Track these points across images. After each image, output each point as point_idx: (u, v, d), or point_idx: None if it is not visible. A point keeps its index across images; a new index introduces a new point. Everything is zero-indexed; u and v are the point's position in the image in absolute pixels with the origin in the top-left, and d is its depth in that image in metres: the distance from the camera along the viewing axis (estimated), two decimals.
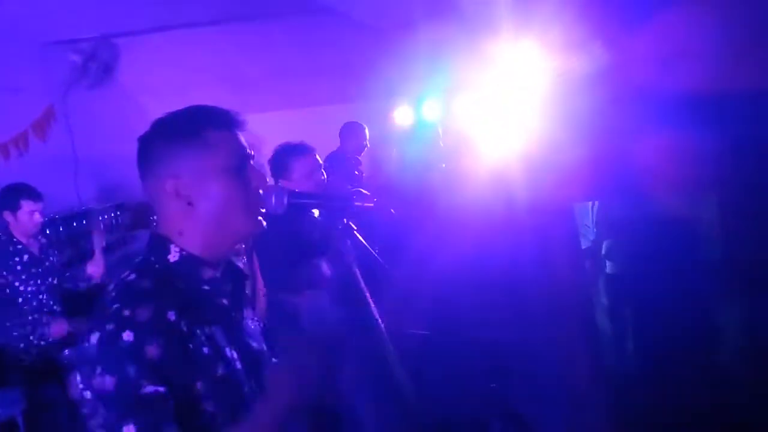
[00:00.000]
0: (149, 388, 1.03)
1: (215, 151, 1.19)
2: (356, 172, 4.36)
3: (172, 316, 1.10)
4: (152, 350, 1.04)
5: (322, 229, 1.42)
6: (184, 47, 4.98)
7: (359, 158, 4.62)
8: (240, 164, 1.22)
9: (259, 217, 1.25)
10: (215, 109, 1.24)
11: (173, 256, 1.19)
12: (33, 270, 3.46)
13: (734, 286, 3.10)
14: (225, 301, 1.23)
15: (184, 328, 1.10)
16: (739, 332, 3.09)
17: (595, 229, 4.74)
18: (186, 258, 1.19)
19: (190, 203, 1.18)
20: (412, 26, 4.12)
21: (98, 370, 1.04)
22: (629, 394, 3.00)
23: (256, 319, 1.34)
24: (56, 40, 4.71)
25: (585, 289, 3.35)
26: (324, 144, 4.90)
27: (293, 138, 3.08)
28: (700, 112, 3.00)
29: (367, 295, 1.27)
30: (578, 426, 2.83)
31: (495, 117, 3.76)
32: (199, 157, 1.18)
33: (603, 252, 3.88)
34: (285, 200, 1.36)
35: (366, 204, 1.52)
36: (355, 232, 1.55)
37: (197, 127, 1.20)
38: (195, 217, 1.19)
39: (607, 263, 3.84)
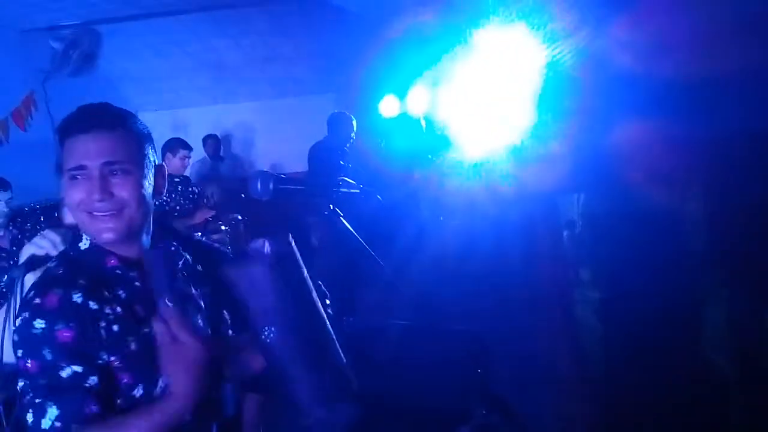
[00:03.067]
0: (67, 370, 1.10)
1: (66, 157, 1.22)
2: (342, 162, 4.34)
3: (78, 298, 1.15)
4: (64, 333, 1.12)
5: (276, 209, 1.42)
6: (167, 35, 4.93)
7: (346, 148, 4.61)
8: (74, 174, 1.22)
9: (108, 225, 1.22)
10: (86, 113, 1.25)
11: (84, 244, 1.26)
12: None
13: (717, 277, 3.13)
14: (138, 283, 1.25)
15: (93, 307, 1.16)
16: (721, 323, 3.12)
17: (580, 221, 4.77)
18: (93, 246, 1.26)
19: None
20: (399, 15, 4.10)
21: (20, 353, 1.12)
22: (612, 381, 3.02)
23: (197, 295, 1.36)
24: (37, 27, 4.63)
25: (567, 279, 3.37)
26: (309, 133, 4.89)
27: (279, 126, 3.06)
28: (684, 104, 3.02)
29: (306, 274, 1.30)
30: (562, 412, 2.85)
31: (481, 107, 3.76)
32: (63, 159, 1.23)
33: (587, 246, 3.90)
34: (270, 186, 1.35)
35: (352, 190, 1.51)
36: (341, 218, 1.54)
37: (62, 132, 1.23)
38: None
39: (591, 255, 3.87)
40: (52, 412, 1.09)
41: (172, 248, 1.37)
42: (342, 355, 1.34)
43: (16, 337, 1.13)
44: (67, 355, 1.11)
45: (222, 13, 4.80)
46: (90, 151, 1.22)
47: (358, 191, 1.55)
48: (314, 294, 1.33)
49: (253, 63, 5.41)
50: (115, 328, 1.17)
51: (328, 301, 1.50)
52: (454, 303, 2.97)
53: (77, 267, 1.22)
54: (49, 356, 1.10)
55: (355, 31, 4.51)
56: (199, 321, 1.36)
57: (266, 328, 1.24)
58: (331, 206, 1.51)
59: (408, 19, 4.10)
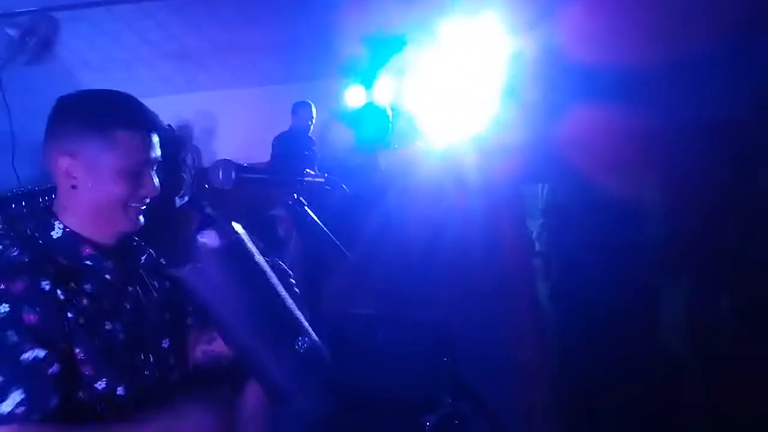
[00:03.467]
0: (30, 354, 1.09)
1: (118, 151, 1.23)
2: (307, 152, 4.32)
3: (46, 285, 1.15)
4: (29, 317, 1.11)
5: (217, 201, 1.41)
6: (127, 22, 4.82)
7: (312, 138, 4.59)
8: (137, 171, 1.27)
9: (139, 217, 1.30)
10: (133, 106, 1.28)
11: (56, 233, 1.25)
12: None
13: (674, 264, 3.21)
14: (108, 276, 1.26)
15: (61, 296, 1.15)
16: (678, 309, 3.20)
17: (544, 211, 4.83)
18: (68, 235, 1.25)
19: (74, 186, 1.24)
20: (365, 5, 4.09)
21: None
22: (573, 367, 3.08)
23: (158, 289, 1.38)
24: None
25: (531, 268, 3.42)
26: (274, 123, 4.85)
27: (242, 117, 3.02)
28: (641, 95, 3.08)
29: (260, 259, 1.30)
30: (527, 400, 2.90)
31: (446, 97, 3.77)
32: (100, 149, 1.23)
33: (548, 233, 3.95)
34: (233, 175, 1.34)
35: (316, 179, 1.51)
36: (306, 208, 1.54)
37: (109, 121, 1.24)
38: (76, 200, 1.25)
39: (554, 244, 3.92)
40: (16, 396, 1.07)
41: (134, 243, 1.38)
42: (313, 333, 1.34)
43: None
44: (31, 338, 1.10)
45: (185, 0, 4.71)
46: (152, 147, 1.27)
47: (322, 180, 1.54)
48: (274, 279, 1.33)
49: (217, 52, 5.33)
50: (81, 320, 1.17)
51: (292, 280, 1.49)
52: (421, 292, 2.99)
53: (45, 256, 1.20)
54: (13, 337, 1.09)
55: (320, 19, 4.48)
56: (166, 315, 1.38)
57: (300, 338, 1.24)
58: (296, 196, 1.51)
59: (374, 8, 4.08)
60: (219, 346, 1.44)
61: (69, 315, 1.15)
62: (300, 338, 1.29)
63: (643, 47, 3.07)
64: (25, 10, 4.55)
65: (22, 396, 1.07)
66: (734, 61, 3.09)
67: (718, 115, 3.10)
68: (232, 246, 1.26)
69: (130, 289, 1.32)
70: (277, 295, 1.31)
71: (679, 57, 3.00)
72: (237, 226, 1.30)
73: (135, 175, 1.26)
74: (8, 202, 4.15)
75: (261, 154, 4.96)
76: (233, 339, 1.27)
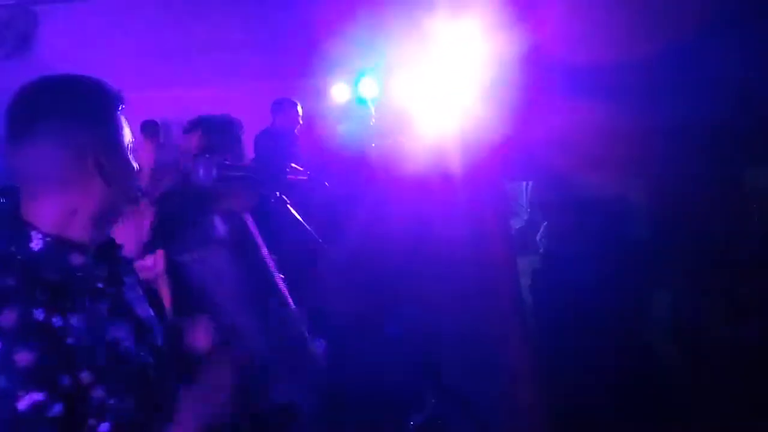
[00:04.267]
0: (26, 400, 0.96)
1: (124, 129, 1.19)
2: (291, 150, 4.30)
3: (40, 315, 1.02)
4: (23, 356, 0.98)
5: (214, 186, 1.40)
6: (108, 16, 4.77)
7: (294, 134, 4.56)
8: (121, 144, 1.20)
9: (138, 193, 1.28)
10: (105, 85, 1.22)
11: (36, 244, 1.09)
12: None
13: (661, 265, 3.22)
14: (100, 285, 1.16)
15: (57, 324, 1.03)
16: (666, 311, 3.21)
17: (528, 209, 4.84)
18: (50, 245, 1.10)
19: (88, 178, 1.13)
20: (350, 2, 4.07)
21: None
22: (558, 368, 3.08)
23: (135, 284, 1.31)
24: None
25: (515, 266, 3.42)
26: (257, 120, 4.81)
27: (223, 113, 2.99)
28: (627, 94, 3.08)
29: (263, 249, 1.29)
30: (512, 400, 2.90)
31: (431, 95, 3.77)
32: (113, 132, 1.18)
33: (538, 234, 3.97)
34: (213, 172, 1.32)
35: (299, 177, 1.49)
36: (288, 205, 1.52)
37: (109, 105, 1.19)
38: (84, 195, 1.14)
39: (540, 242, 3.93)
40: None
41: (109, 239, 1.29)
42: (305, 331, 1.32)
43: None
44: (26, 381, 0.97)
45: None
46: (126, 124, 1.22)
47: (305, 178, 1.52)
48: (276, 273, 1.32)
49: (200, 48, 5.29)
50: (83, 341, 1.05)
51: (282, 276, 1.48)
52: (405, 289, 2.98)
53: (31, 275, 1.06)
54: (4, 383, 0.97)
55: (306, 18, 4.46)
56: (149, 310, 1.30)
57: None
58: (278, 193, 1.49)
59: (359, 6, 4.07)
60: (194, 339, 1.40)
61: (69, 341, 1.03)
62: (300, 335, 1.28)
63: (627, 46, 3.08)
64: (3, 2, 4.49)
65: None
66: (721, 60, 3.11)
67: (704, 114, 3.12)
68: (240, 235, 1.24)
69: (120, 290, 1.23)
70: (283, 294, 1.29)
71: (664, 56, 3.01)
72: (246, 216, 1.28)
73: (122, 152, 1.20)
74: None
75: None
76: (230, 324, 1.24)
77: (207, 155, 1.32)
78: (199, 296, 1.30)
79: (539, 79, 3.22)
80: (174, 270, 1.35)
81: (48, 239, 1.10)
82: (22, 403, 0.96)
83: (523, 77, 3.28)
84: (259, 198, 1.51)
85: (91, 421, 1.05)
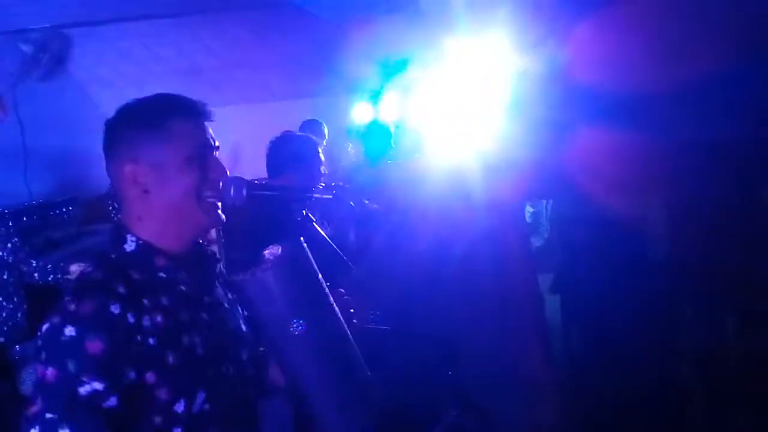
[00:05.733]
0: (87, 387, 1.02)
1: (177, 141, 1.21)
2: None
3: (116, 309, 1.08)
4: (93, 345, 1.04)
5: (280, 218, 1.44)
6: (139, 39, 4.90)
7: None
8: (201, 155, 1.24)
9: (218, 212, 1.27)
10: (182, 98, 1.27)
11: (129, 246, 1.20)
12: None
13: (679, 285, 3.21)
14: (183, 288, 1.22)
15: (131, 320, 1.10)
16: (683, 329, 3.19)
17: (548, 227, 4.85)
18: (141, 247, 1.20)
19: (146, 191, 1.21)
20: (371, 21, 4.14)
21: (42, 359, 1.05)
22: (577, 385, 3.08)
23: (230, 297, 1.35)
24: (5, 30, 4.57)
25: (535, 284, 3.43)
26: None
27: (251, 133, 3.07)
28: (647, 113, 3.10)
29: (321, 278, 1.30)
30: (532, 415, 2.90)
31: (452, 114, 3.81)
32: (160, 145, 1.20)
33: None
34: (244, 192, 1.37)
35: (325, 195, 1.53)
36: (314, 223, 1.56)
37: (161, 115, 1.22)
38: (151, 206, 1.21)
39: (557, 261, 3.93)
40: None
41: (208, 251, 1.35)
42: (364, 365, 1.33)
43: (40, 342, 1.06)
44: (91, 369, 1.03)
45: (194, 18, 4.78)
46: (207, 131, 1.26)
47: (330, 197, 1.57)
48: (331, 299, 1.33)
49: (226, 68, 5.40)
50: (151, 341, 1.11)
51: (352, 310, 1.49)
52: (427, 307, 3.01)
53: (118, 272, 1.15)
54: (72, 368, 1.03)
55: (328, 37, 4.54)
56: (243, 327, 1.34)
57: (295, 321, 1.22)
58: (305, 212, 1.53)
59: (381, 26, 4.14)
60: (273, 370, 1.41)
61: (138, 338, 1.09)
62: (357, 371, 1.27)
63: (647, 67, 3.10)
64: (38, 27, 4.63)
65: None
66: (738, 80, 3.11)
67: (721, 134, 3.12)
68: (297, 260, 1.25)
69: (207, 299, 1.27)
70: (339, 322, 1.29)
71: (683, 76, 3.03)
72: (303, 244, 1.29)
73: (200, 162, 1.23)
74: (20, 215, 4.21)
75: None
76: (283, 361, 1.25)
77: (237, 176, 1.36)
78: (253, 317, 1.32)
79: (561, 98, 3.25)
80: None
81: (140, 242, 1.20)
82: (83, 389, 1.02)
83: (544, 96, 3.32)
84: (286, 216, 1.56)
85: (157, 421, 1.10)
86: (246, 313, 1.37)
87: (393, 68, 4.66)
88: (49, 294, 3.54)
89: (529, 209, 3.94)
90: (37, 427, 1.01)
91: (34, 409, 1.02)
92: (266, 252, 1.22)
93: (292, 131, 2.63)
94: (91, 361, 1.03)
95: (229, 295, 1.35)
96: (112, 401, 1.04)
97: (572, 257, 3.69)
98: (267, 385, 1.41)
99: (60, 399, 1.02)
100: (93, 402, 1.02)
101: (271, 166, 2.70)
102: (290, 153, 2.51)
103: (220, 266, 1.37)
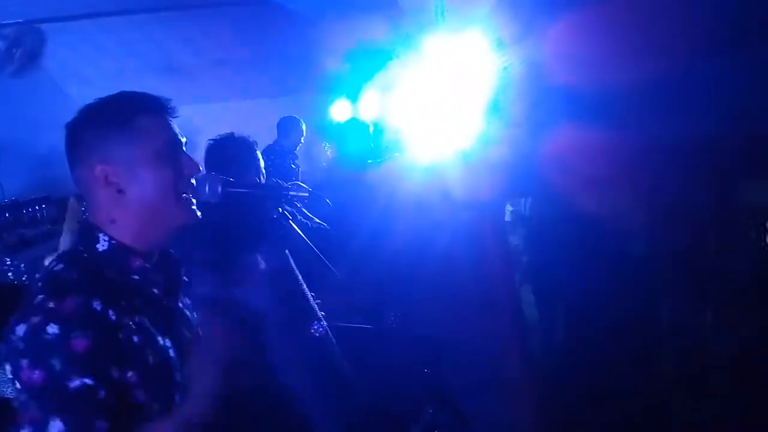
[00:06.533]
0: (76, 382, 1.01)
1: (146, 138, 1.18)
2: (293, 166, 4.35)
3: (98, 306, 1.07)
4: (78, 342, 1.02)
5: (256, 220, 1.43)
6: (115, 34, 4.84)
7: (296, 152, 4.61)
8: (172, 151, 1.21)
9: (193, 207, 1.25)
10: (147, 95, 1.24)
11: (101, 245, 1.18)
12: None
13: (658, 280, 3.24)
14: (156, 290, 1.21)
15: (113, 318, 1.09)
16: (663, 325, 3.23)
17: (528, 226, 4.86)
18: (114, 247, 1.18)
19: (120, 191, 1.18)
20: (351, 19, 4.13)
21: (25, 363, 1.02)
22: (556, 384, 3.10)
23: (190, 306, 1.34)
24: None
25: (514, 283, 3.44)
26: (262, 137, 4.86)
27: (229, 130, 3.03)
28: (625, 110, 3.13)
29: (304, 285, 1.30)
30: (509, 414, 2.91)
31: (431, 113, 3.81)
32: (129, 143, 1.18)
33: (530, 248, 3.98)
34: (219, 189, 1.35)
35: (300, 194, 1.52)
36: (290, 221, 1.55)
37: (128, 113, 1.19)
38: (125, 205, 1.18)
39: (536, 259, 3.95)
40: (55, 426, 0.99)
41: (173, 256, 1.33)
42: (346, 365, 1.33)
43: (21, 345, 1.03)
44: (79, 366, 1.02)
45: (174, 14, 4.74)
46: (177, 130, 1.23)
47: (306, 195, 1.55)
48: (317, 309, 1.33)
49: (205, 65, 5.36)
50: (135, 339, 1.11)
51: (322, 313, 1.49)
52: (406, 306, 3.00)
53: (93, 271, 1.14)
54: (58, 366, 1.01)
55: (308, 35, 4.52)
56: (199, 332, 1.32)
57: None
58: (281, 210, 1.52)
59: (361, 24, 4.13)
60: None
61: (120, 336, 1.08)
62: (338, 363, 1.28)
63: (625, 64, 3.12)
64: (11, 21, 4.55)
65: (64, 427, 0.99)
66: (716, 77, 3.14)
67: (699, 131, 3.15)
68: (281, 272, 1.25)
69: (174, 304, 1.27)
70: (320, 322, 1.30)
71: (661, 74, 3.05)
72: (286, 252, 1.28)
73: (173, 157, 1.21)
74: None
75: None
76: (275, 363, 1.25)
77: (212, 172, 1.35)
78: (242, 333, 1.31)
79: (539, 97, 3.27)
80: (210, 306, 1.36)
81: (113, 242, 1.18)
82: (72, 384, 1.01)
83: (522, 95, 3.33)
84: (262, 214, 1.55)
85: (132, 422, 1.08)
86: (197, 316, 1.35)
87: (372, 66, 4.66)
88: (19, 294, 3.48)
89: (508, 208, 3.95)
90: (28, 429, 1.00)
91: (24, 411, 1.01)
92: (247, 262, 1.21)
93: (232, 133, 2.53)
94: (78, 358, 1.02)
95: (187, 301, 1.34)
96: (102, 394, 1.03)
97: (551, 255, 3.71)
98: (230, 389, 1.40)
99: (49, 395, 1.00)
100: (83, 394, 1.01)
101: (206, 169, 2.60)
102: (226, 156, 2.39)
103: (183, 270, 1.34)
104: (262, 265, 1.25)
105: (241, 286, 1.25)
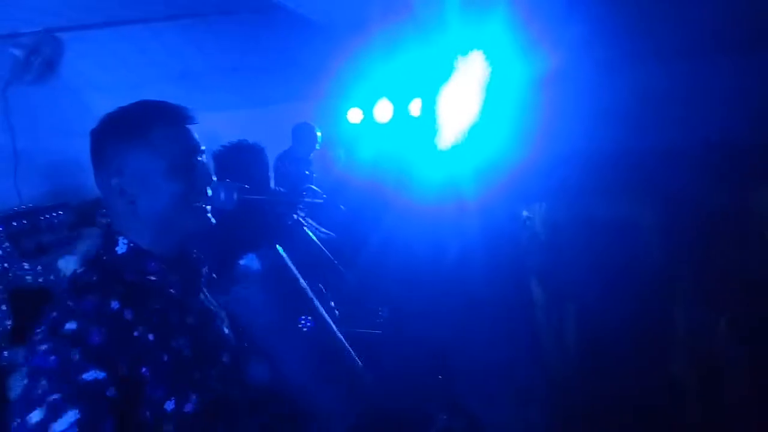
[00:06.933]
0: (90, 374, 1.04)
1: (161, 151, 1.21)
2: (307, 172, 4.36)
3: (115, 305, 1.12)
4: (95, 336, 1.06)
5: (251, 224, 1.43)
6: (132, 43, 4.88)
7: (310, 158, 4.63)
8: (186, 162, 1.24)
9: (208, 215, 1.28)
10: (166, 104, 1.27)
11: (120, 248, 1.22)
12: None
13: (674, 284, 3.21)
14: (173, 291, 1.24)
15: (128, 317, 1.13)
16: (678, 330, 3.20)
17: (542, 232, 4.85)
18: (132, 250, 1.22)
19: (132, 202, 1.22)
20: (365, 25, 4.14)
21: (42, 349, 1.05)
22: (570, 388, 3.08)
23: (215, 302, 1.36)
24: None
25: (528, 289, 3.43)
26: (276, 143, 4.88)
27: (245, 136, 3.04)
28: (641, 116, 3.11)
29: (301, 281, 1.31)
30: (522, 419, 2.90)
31: (447, 118, 3.81)
32: (144, 156, 1.21)
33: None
34: (234, 196, 1.36)
35: (315, 200, 1.53)
36: (305, 228, 1.56)
37: (145, 125, 1.22)
38: (138, 215, 1.23)
39: (552, 263, 3.93)
40: (71, 416, 1.01)
41: (194, 255, 1.36)
42: (355, 356, 1.33)
43: (39, 337, 1.07)
44: (93, 358, 1.05)
45: (189, 21, 4.77)
46: (192, 137, 1.26)
47: (321, 201, 1.56)
48: (316, 301, 1.34)
49: (220, 72, 5.39)
50: (150, 337, 1.14)
51: (332, 303, 1.49)
52: (419, 311, 3.00)
53: (112, 274, 1.18)
54: (75, 356, 1.04)
55: (321, 41, 4.54)
56: (225, 330, 1.36)
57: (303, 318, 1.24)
58: (295, 216, 1.53)
59: (374, 29, 4.14)
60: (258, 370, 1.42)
61: (136, 335, 1.12)
62: (347, 362, 1.29)
63: (642, 70, 3.11)
64: (30, 30, 4.61)
65: (78, 416, 1.01)
66: (732, 82, 3.12)
67: (716, 135, 3.13)
68: (277, 269, 1.26)
69: (193, 303, 1.30)
70: (326, 322, 1.31)
71: (678, 79, 3.04)
72: (279, 249, 1.30)
73: (186, 170, 1.24)
74: (10, 220, 4.19)
75: None
76: (278, 364, 1.27)
77: (228, 180, 1.36)
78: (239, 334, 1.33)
79: (555, 102, 3.26)
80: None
81: (131, 245, 1.22)
82: (87, 375, 1.04)
83: (538, 100, 3.33)
84: (277, 221, 1.56)
85: (147, 416, 1.11)
86: (226, 315, 1.38)
87: (386, 72, 4.67)
88: (38, 298, 3.53)
89: (523, 213, 3.94)
90: (43, 408, 1.01)
91: (35, 392, 1.02)
92: (241, 263, 1.23)
93: (242, 140, 2.53)
94: (94, 350, 1.05)
95: (213, 298, 1.38)
96: (112, 391, 1.05)
97: (565, 261, 3.69)
98: (247, 385, 1.41)
99: (64, 381, 1.02)
100: (96, 388, 1.04)
101: (216, 176, 2.59)
102: (235, 163, 2.39)
103: (205, 270, 1.37)
104: (257, 264, 1.27)
105: (233, 288, 1.27)
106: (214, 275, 1.39)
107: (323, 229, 2.79)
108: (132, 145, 1.21)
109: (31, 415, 1.00)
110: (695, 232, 3.14)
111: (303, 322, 1.27)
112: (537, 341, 3.30)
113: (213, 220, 1.27)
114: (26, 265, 3.68)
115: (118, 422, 1.05)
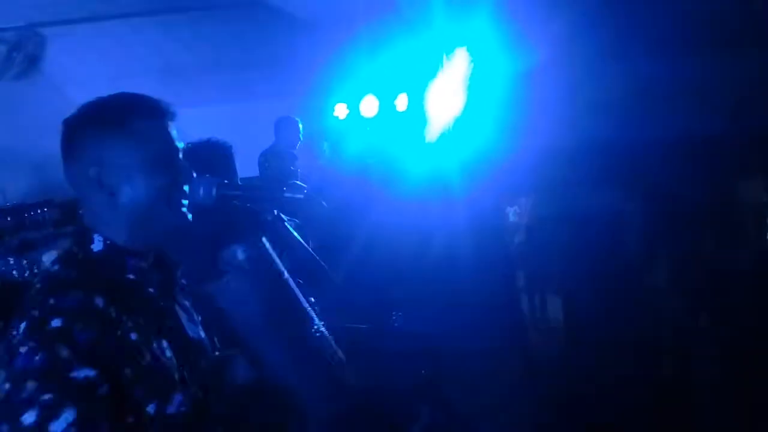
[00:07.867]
0: (81, 372, 0.99)
1: (142, 142, 1.18)
2: (292, 167, 4.34)
3: (100, 302, 1.07)
4: (82, 334, 1.02)
5: (234, 216, 1.42)
6: (114, 38, 4.85)
7: (295, 153, 4.60)
8: (167, 157, 1.21)
9: (184, 210, 1.24)
10: (145, 97, 1.23)
11: (96, 246, 1.17)
12: None
13: (655, 276, 3.25)
14: (152, 290, 1.21)
15: (113, 314, 1.08)
16: (660, 322, 3.23)
17: (528, 226, 4.87)
18: (109, 247, 1.18)
19: (111, 194, 1.17)
20: (350, 21, 4.13)
21: (24, 350, 1.00)
22: (555, 380, 3.10)
23: (189, 305, 1.34)
24: None
25: (514, 281, 3.45)
26: (260, 140, 4.87)
27: (228, 132, 3.02)
28: (624, 110, 3.13)
29: (286, 274, 1.30)
30: (509, 414, 2.92)
31: (432, 113, 3.82)
32: (124, 146, 1.17)
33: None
34: (213, 191, 1.35)
35: (296, 195, 1.52)
36: (286, 223, 1.55)
37: (125, 115, 1.18)
38: (117, 208, 1.18)
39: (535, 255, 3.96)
40: (68, 416, 0.96)
41: (168, 257, 1.32)
42: (336, 349, 1.32)
43: (20, 337, 1.02)
44: (82, 356, 1.00)
45: (171, 17, 4.74)
46: (173, 132, 1.22)
47: (301, 197, 1.55)
48: (299, 294, 1.32)
49: (203, 68, 5.36)
50: (133, 337, 1.10)
51: (312, 299, 1.48)
52: (405, 304, 3.01)
53: (90, 270, 1.14)
54: (64, 354, 0.99)
55: (306, 36, 4.53)
56: (201, 333, 1.32)
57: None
58: (276, 211, 1.52)
59: (358, 25, 4.13)
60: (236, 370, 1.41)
61: (118, 333, 1.07)
62: (328, 354, 1.28)
63: (626, 65, 3.13)
64: (12, 26, 4.57)
65: (74, 416, 0.97)
66: (713, 78, 3.15)
67: (697, 129, 3.15)
68: (260, 260, 1.24)
69: (170, 304, 1.26)
70: (308, 315, 1.30)
71: (660, 74, 3.06)
72: (264, 241, 1.28)
73: (167, 163, 1.20)
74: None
75: (247, 169, 4.96)
76: (262, 356, 1.25)
77: (207, 175, 1.34)
78: (222, 326, 1.31)
79: (538, 97, 3.27)
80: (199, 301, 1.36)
81: (108, 242, 1.17)
82: (78, 374, 0.99)
83: (523, 95, 3.34)
84: (256, 216, 1.55)
85: (130, 420, 1.07)
86: (200, 318, 1.35)
87: (371, 67, 4.66)
88: (23, 290, 3.51)
89: (508, 207, 3.96)
90: (35, 409, 0.96)
91: (21, 395, 0.97)
92: (225, 254, 1.21)
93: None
94: (83, 348, 1.00)
95: (186, 303, 1.33)
96: (105, 389, 1.01)
97: (550, 253, 3.72)
98: (226, 389, 1.40)
99: (54, 380, 0.98)
100: (89, 387, 1.00)
101: None
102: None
103: (179, 273, 1.34)
104: (241, 256, 1.25)
105: (216, 279, 1.25)
106: (183, 281, 1.36)
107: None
108: (112, 135, 1.16)
109: (23, 417, 0.96)
110: (678, 224, 3.17)
111: (295, 316, 1.27)
112: (522, 332, 3.32)
113: (190, 216, 1.24)
114: (11, 260, 3.65)
115: (113, 421, 1.01)
